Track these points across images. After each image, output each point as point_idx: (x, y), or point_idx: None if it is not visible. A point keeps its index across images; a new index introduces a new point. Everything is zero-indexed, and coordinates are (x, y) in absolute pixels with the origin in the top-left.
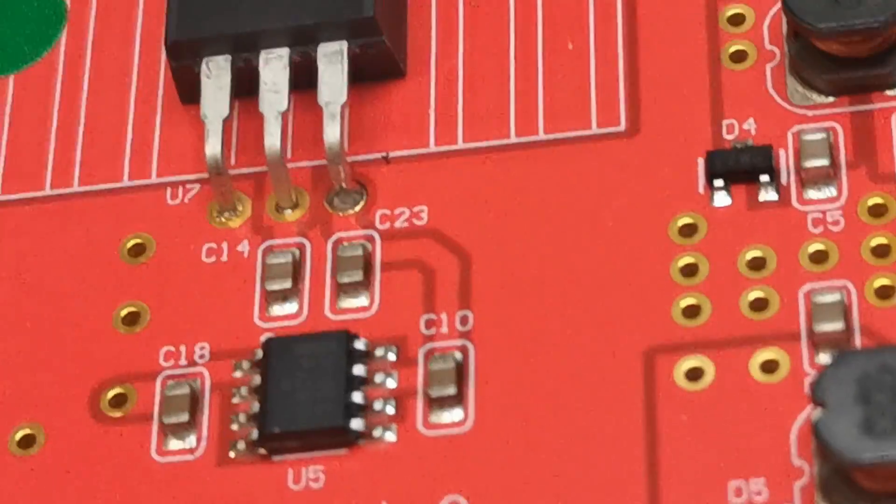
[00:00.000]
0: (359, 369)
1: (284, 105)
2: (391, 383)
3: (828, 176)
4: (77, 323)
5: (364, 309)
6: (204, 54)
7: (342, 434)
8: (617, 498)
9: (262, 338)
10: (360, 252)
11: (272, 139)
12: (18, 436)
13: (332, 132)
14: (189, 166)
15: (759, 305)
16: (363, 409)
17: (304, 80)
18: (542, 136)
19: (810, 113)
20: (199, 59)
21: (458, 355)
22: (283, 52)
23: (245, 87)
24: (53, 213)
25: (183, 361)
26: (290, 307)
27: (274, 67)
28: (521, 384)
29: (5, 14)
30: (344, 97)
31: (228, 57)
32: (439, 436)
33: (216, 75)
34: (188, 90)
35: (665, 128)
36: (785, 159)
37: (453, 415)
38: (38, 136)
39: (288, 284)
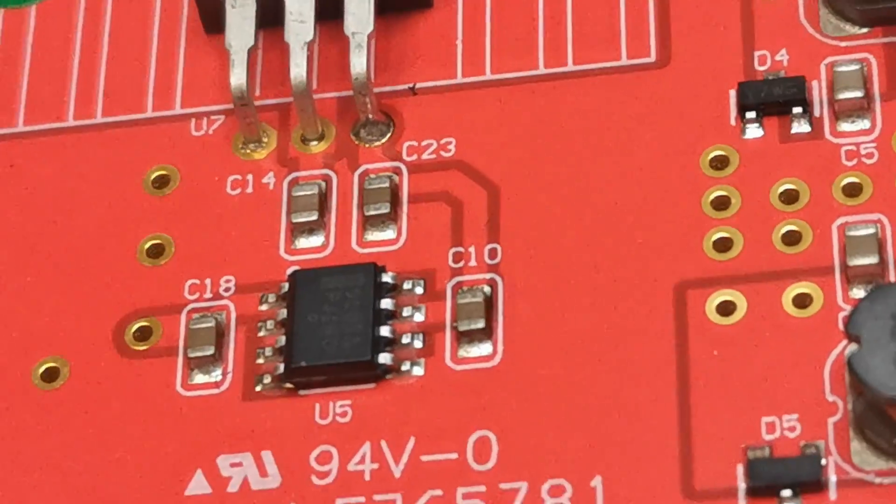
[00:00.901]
0: (386, 303)
1: (310, 35)
2: (419, 317)
3: (861, 108)
4: (101, 256)
5: (391, 242)
6: None
7: (370, 368)
8: (648, 434)
9: (289, 271)
10: (386, 184)
11: (298, 70)
12: (42, 369)
13: (358, 63)
14: (213, 97)
15: (791, 239)
16: (391, 343)
17: (330, 9)
18: (571, 67)
19: (843, 44)
20: None
21: (487, 289)
22: None
23: (270, 17)
24: (76, 144)
25: (208, 294)
26: (316, 240)
27: None
28: (551, 318)
29: None
30: (371, 27)
31: None
32: (468, 370)
33: (241, 4)
34: (213, 20)
35: (696, 59)
36: (818, 91)
37: (482, 349)
38: (61, 67)
39: (314, 217)
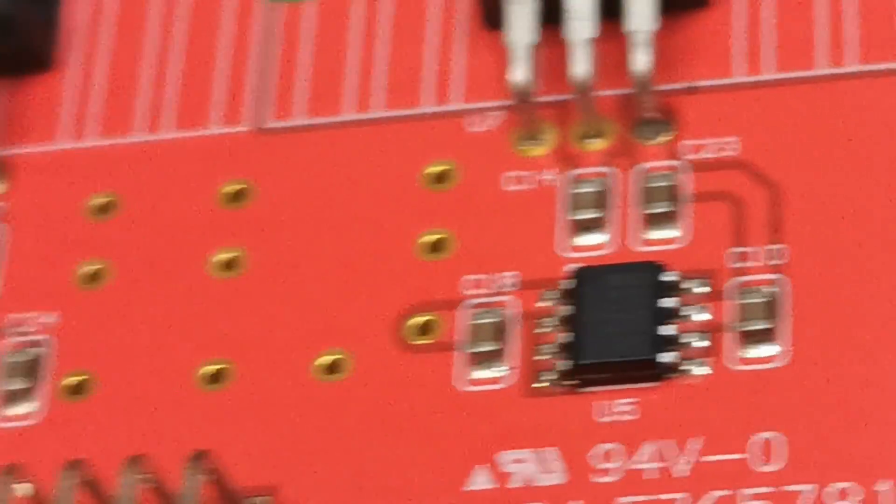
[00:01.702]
0: (668, 302)
1: (592, 32)
2: (701, 316)
3: None
4: (380, 250)
5: (672, 241)
6: None
7: (652, 367)
8: None
9: (568, 268)
10: (668, 183)
11: (579, 67)
12: (325, 362)
13: (639, 61)
14: (492, 93)
15: None
16: (673, 343)
17: (611, 7)
18: (853, 67)
19: None
20: None
21: (772, 289)
22: None
23: (551, 13)
24: (354, 138)
25: (489, 290)
26: (596, 237)
27: None
28: (839, 319)
29: None
30: (653, 25)
31: None
32: (752, 370)
33: (522, 1)
34: (493, 15)
35: None
36: None
37: (767, 349)
38: (339, 62)
39: (594, 214)
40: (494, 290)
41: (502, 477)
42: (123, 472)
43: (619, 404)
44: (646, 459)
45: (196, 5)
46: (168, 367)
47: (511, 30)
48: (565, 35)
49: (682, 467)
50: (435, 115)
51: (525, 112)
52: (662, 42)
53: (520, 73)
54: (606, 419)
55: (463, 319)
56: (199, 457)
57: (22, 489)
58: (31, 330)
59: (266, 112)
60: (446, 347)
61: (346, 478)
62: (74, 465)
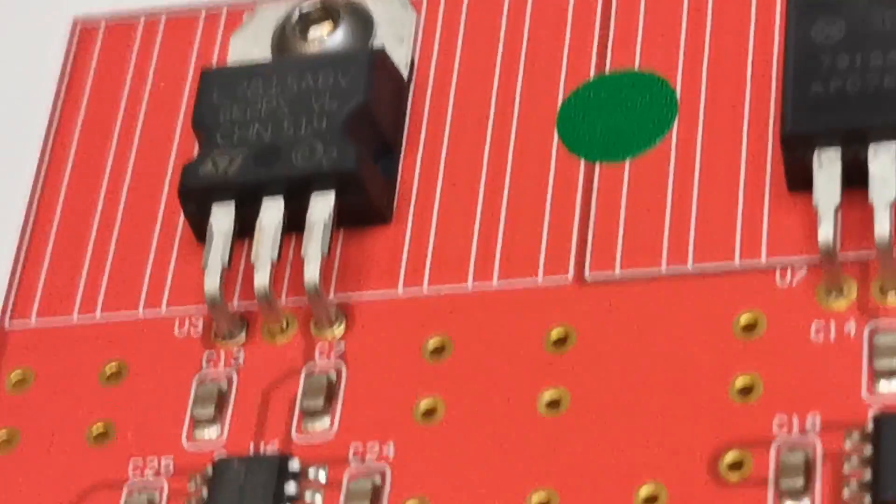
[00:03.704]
0: None
1: (893, 196)
2: None
3: None
4: (695, 392)
5: None
6: (816, 146)
7: None
8: None
9: (870, 413)
10: None
11: (881, 228)
12: (643, 493)
13: None
14: (797, 249)
15: None
16: None
17: None
18: None
19: None
20: (810, 151)
21: None
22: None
23: (853, 177)
24: (669, 289)
25: (795, 430)
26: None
27: (882, 160)
28: None
29: (623, 106)
30: None
31: (839, 149)
32: None
33: (828, 167)
34: (797, 179)
35: None
36: None
37: None
38: (654, 217)
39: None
40: (801, 429)
41: None
42: None
43: None
44: None
45: (519, 162)
46: (499, 495)
47: (819, 192)
48: (870, 198)
49: None
50: (745, 270)
51: (830, 268)
52: None
53: (827, 232)
54: None
55: (773, 457)
56: None
57: None
58: (371, 458)
59: (587, 264)
60: (759, 483)
61: None
62: None
